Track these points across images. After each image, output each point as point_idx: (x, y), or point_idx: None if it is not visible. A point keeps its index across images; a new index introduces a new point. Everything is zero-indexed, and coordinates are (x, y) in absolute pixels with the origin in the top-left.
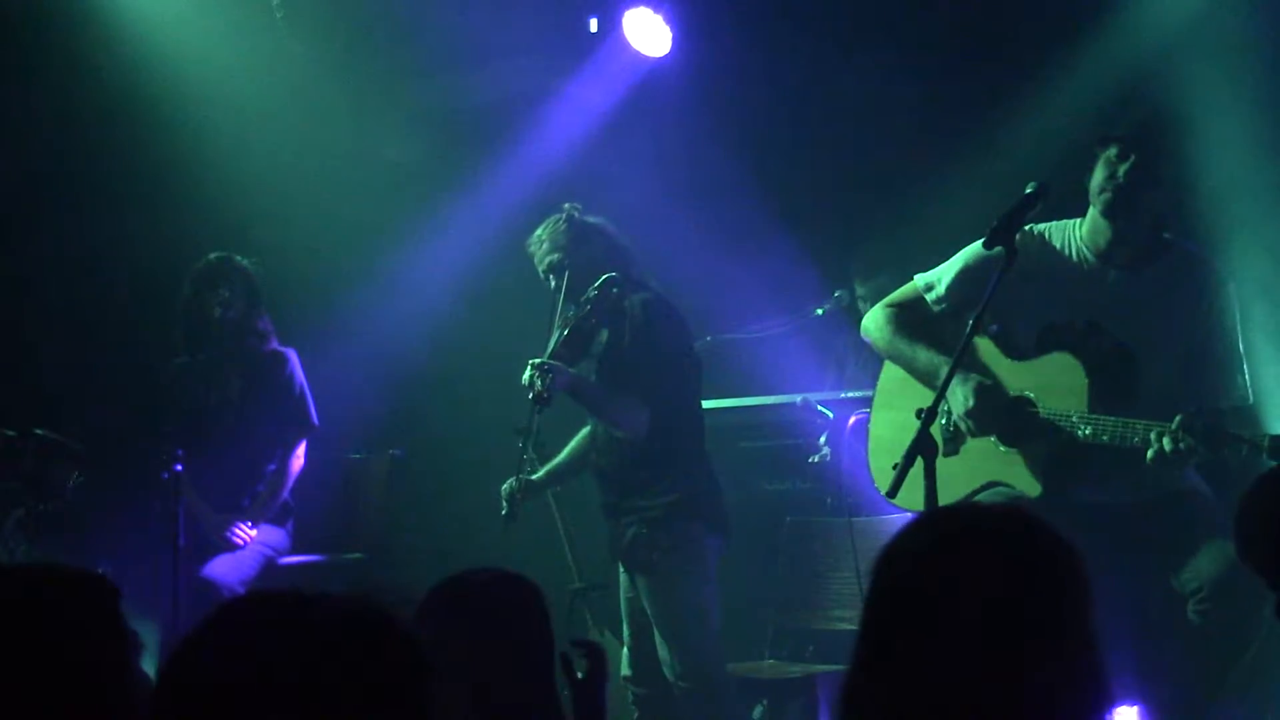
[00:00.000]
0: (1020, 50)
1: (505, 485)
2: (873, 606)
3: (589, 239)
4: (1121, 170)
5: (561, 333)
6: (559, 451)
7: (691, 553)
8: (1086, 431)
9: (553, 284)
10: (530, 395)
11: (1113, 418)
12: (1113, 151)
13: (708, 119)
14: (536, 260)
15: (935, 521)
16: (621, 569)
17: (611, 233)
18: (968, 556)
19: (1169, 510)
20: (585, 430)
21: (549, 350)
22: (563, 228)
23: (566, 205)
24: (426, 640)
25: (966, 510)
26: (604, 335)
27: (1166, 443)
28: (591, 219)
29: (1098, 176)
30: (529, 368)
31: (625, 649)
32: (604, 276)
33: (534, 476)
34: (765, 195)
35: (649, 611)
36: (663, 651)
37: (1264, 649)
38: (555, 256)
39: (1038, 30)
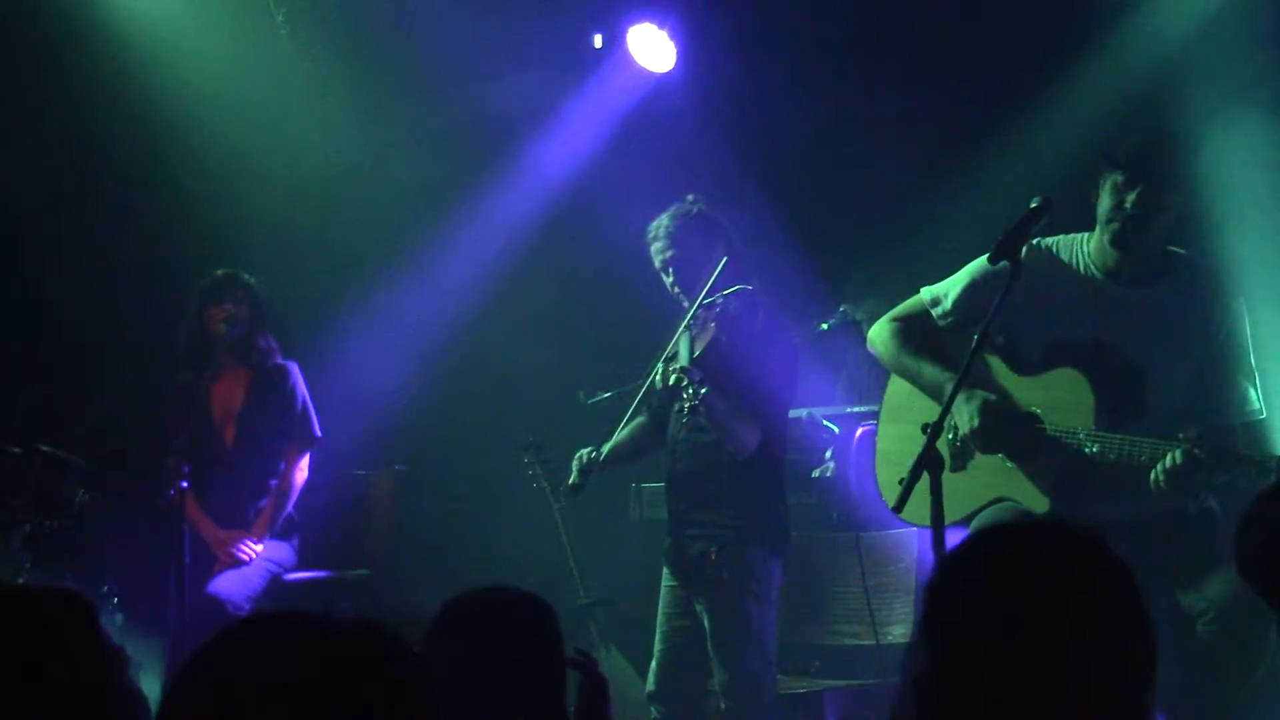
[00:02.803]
0: (1025, 66)
1: (581, 453)
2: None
3: (709, 236)
4: (1129, 200)
5: (690, 337)
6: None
7: (758, 576)
8: (1094, 449)
9: (668, 280)
10: (684, 407)
11: (1119, 435)
12: (1119, 178)
13: (712, 134)
14: (653, 253)
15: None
16: (670, 580)
17: (730, 232)
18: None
19: (1178, 528)
20: (640, 419)
21: (684, 355)
22: (682, 222)
23: (690, 197)
24: (439, 657)
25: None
26: (726, 345)
27: (1178, 457)
28: (711, 214)
29: (1105, 204)
30: (674, 372)
31: (654, 663)
32: (736, 287)
33: (602, 451)
34: (769, 210)
35: (709, 630)
36: (718, 672)
37: (1272, 670)
38: (670, 254)
39: (1043, 46)
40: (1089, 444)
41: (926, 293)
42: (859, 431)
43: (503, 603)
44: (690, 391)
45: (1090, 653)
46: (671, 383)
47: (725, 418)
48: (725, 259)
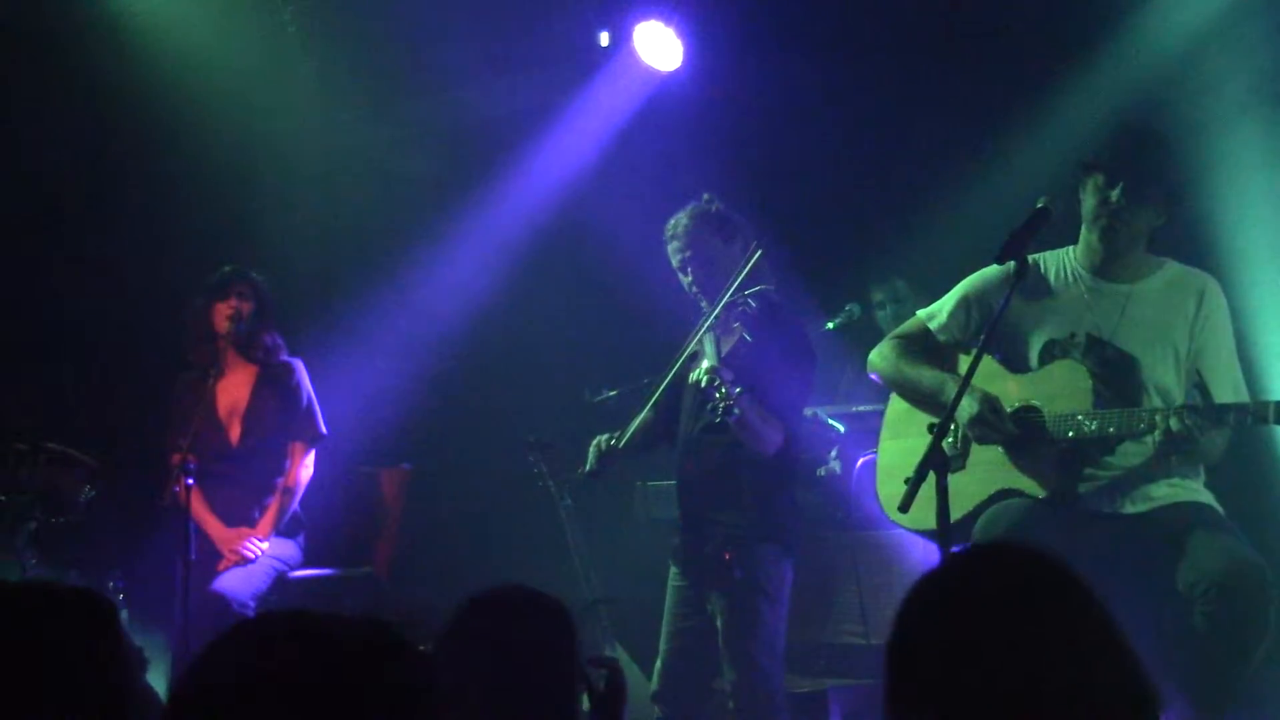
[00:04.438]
0: (1032, 67)
1: (599, 439)
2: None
3: (727, 235)
4: (1114, 196)
5: (715, 337)
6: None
7: (771, 575)
8: (1093, 427)
9: (686, 280)
10: (718, 407)
11: (1117, 410)
12: (1100, 178)
13: (719, 132)
14: (670, 252)
15: (931, 585)
16: (677, 579)
17: (748, 231)
18: (970, 609)
19: (1177, 521)
20: (647, 416)
21: (711, 354)
22: (700, 221)
23: (706, 196)
24: (457, 653)
25: (958, 566)
26: (752, 346)
27: (1173, 423)
28: (729, 213)
29: (1089, 203)
30: (706, 373)
31: (659, 663)
32: (758, 287)
33: (622, 438)
34: (775, 209)
35: (720, 629)
36: (728, 671)
37: (1273, 659)
38: (688, 253)
39: (1049, 47)
40: (1087, 423)
41: (922, 312)
42: (860, 461)
43: (524, 603)
44: (724, 392)
45: (1052, 677)
46: (704, 383)
47: (755, 419)
48: (759, 250)
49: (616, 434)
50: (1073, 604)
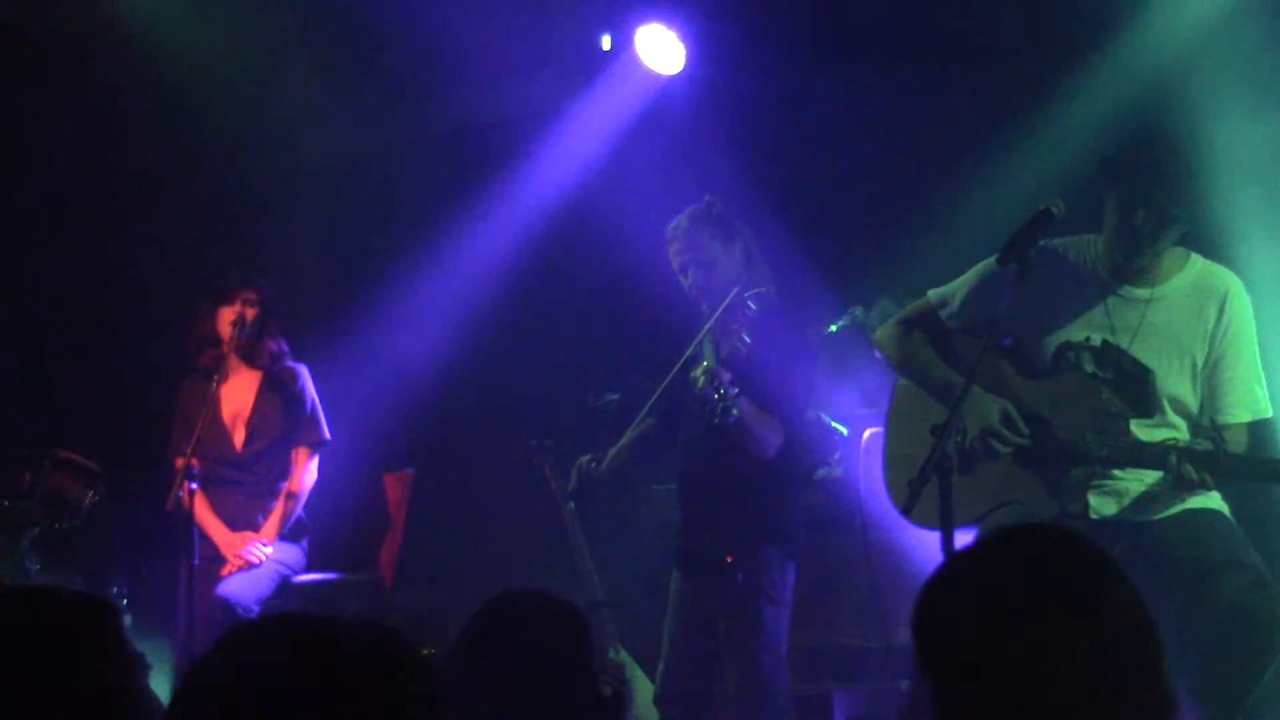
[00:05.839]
0: (1034, 67)
1: (581, 460)
2: (923, 661)
3: (727, 238)
4: (1139, 217)
5: (714, 340)
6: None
7: (773, 578)
8: (1102, 454)
9: (686, 283)
10: (715, 408)
11: (1127, 441)
12: (1124, 194)
13: (720, 137)
14: (670, 254)
15: (962, 563)
16: (679, 582)
17: (747, 234)
18: (998, 588)
19: (1187, 528)
20: (649, 422)
21: (709, 357)
22: (699, 224)
23: (707, 198)
24: (467, 660)
25: (989, 545)
26: (750, 348)
27: (1187, 470)
28: (729, 215)
29: (1113, 219)
30: (703, 375)
31: (661, 665)
32: (756, 289)
33: (603, 460)
34: (777, 212)
35: (722, 633)
36: (730, 675)
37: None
38: (688, 255)
39: (1051, 47)
40: (1097, 449)
41: (933, 294)
42: (866, 434)
43: (539, 609)
44: (721, 393)
45: (1093, 660)
46: (701, 385)
47: (752, 421)
48: (737, 289)
49: (599, 455)
50: (1112, 590)
